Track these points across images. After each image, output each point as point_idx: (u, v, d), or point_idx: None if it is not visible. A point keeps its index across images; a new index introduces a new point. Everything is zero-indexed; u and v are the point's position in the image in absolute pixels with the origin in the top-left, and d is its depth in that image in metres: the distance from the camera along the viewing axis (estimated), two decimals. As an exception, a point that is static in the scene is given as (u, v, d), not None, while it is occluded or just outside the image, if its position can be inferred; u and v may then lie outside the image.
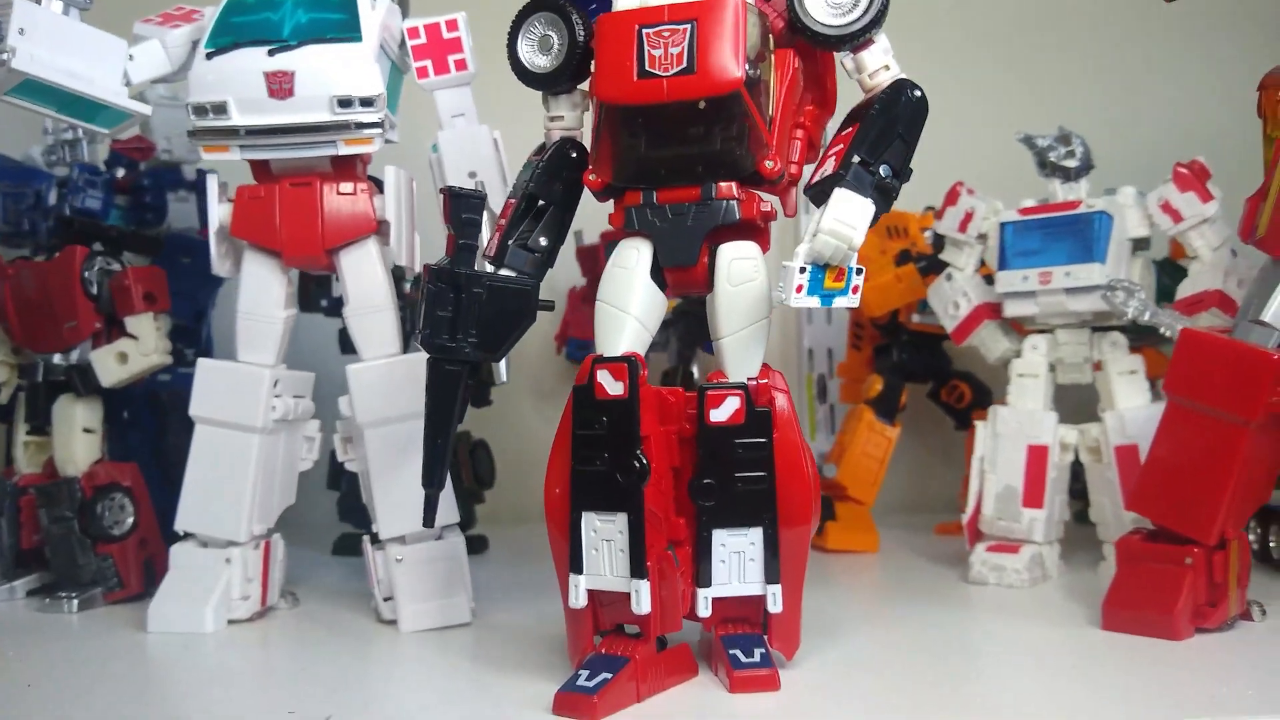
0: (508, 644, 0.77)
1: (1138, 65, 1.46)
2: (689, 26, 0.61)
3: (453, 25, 0.90)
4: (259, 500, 0.87)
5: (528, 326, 0.70)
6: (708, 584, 0.64)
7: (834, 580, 1.01)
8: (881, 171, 0.60)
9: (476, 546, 1.21)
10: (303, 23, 0.84)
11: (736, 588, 0.64)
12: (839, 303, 0.61)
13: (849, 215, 0.59)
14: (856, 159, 0.60)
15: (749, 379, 0.64)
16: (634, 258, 0.65)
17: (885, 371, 1.26)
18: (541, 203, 0.69)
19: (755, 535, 0.64)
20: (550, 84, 0.69)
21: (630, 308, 0.64)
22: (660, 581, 0.61)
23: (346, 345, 1.06)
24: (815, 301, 0.60)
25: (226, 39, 0.83)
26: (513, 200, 0.70)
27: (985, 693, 0.64)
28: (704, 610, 0.64)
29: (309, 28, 0.83)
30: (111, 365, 0.96)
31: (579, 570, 0.62)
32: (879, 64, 0.63)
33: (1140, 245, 0.97)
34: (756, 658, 0.64)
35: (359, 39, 0.84)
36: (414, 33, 0.89)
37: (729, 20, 0.61)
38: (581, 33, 0.67)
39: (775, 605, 0.64)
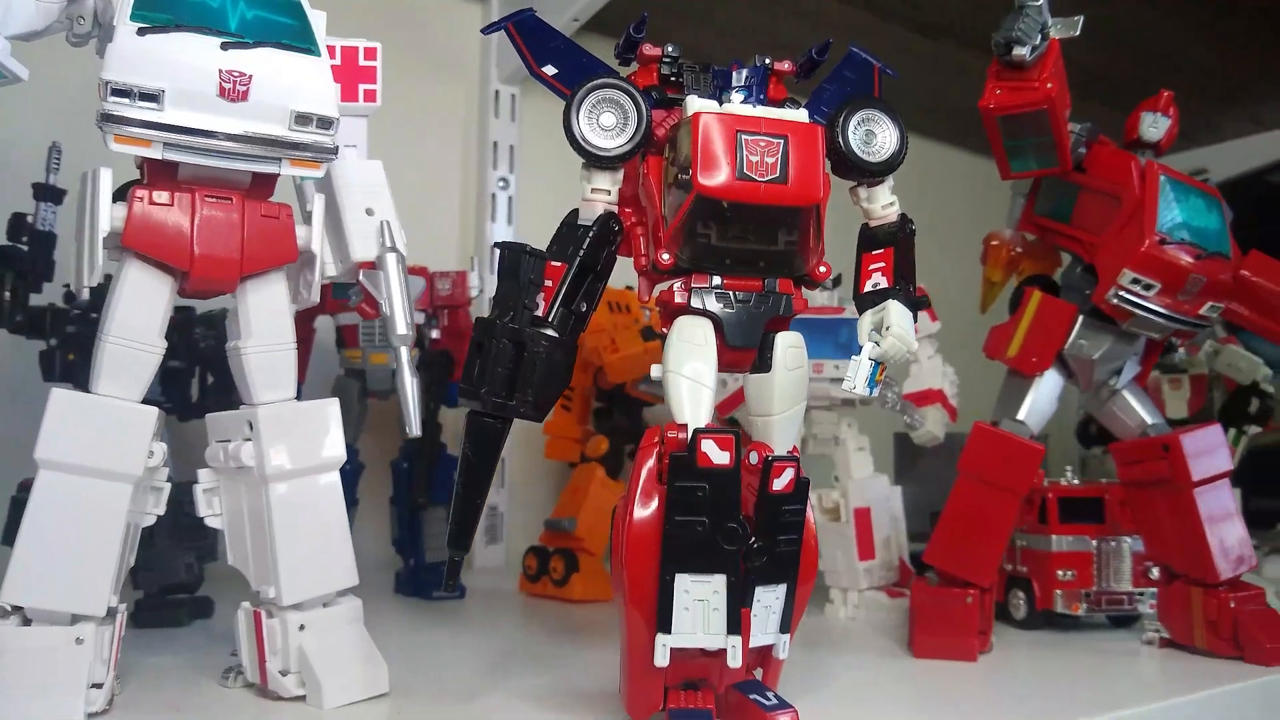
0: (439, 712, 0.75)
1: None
2: (782, 141, 0.69)
3: (371, 54, 0.86)
4: (119, 565, 0.73)
5: (565, 387, 0.71)
6: (736, 632, 0.70)
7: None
8: (910, 289, 0.74)
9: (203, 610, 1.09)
10: (250, 19, 0.74)
11: (761, 639, 0.72)
12: (873, 392, 0.73)
13: (908, 324, 0.71)
14: (902, 279, 0.73)
15: (788, 452, 0.72)
16: (701, 335, 0.70)
17: (608, 432, 1.37)
18: (586, 271, 0.71)
19: (780, 591, 0.72)
20: (613, 162, 0.72)
21: (707, 380, 0.70)
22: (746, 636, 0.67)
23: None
24: (866, 390, 0.72)
25: (163, 16, 0.70)
26: (560, 265, 0.71)
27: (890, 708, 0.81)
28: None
29: (260, 27, 0.74)
30: None
31: (667, 630, 0.65)
32: (889, 199, 0.77)
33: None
34: (774, 700, 0.72)
35: (317, 53, 0.76)
36: (329, 52, 0.82)
37: (815, 144, 0.70)
38: (648, 119, 0.71)
39: (784, 652, 0.73)
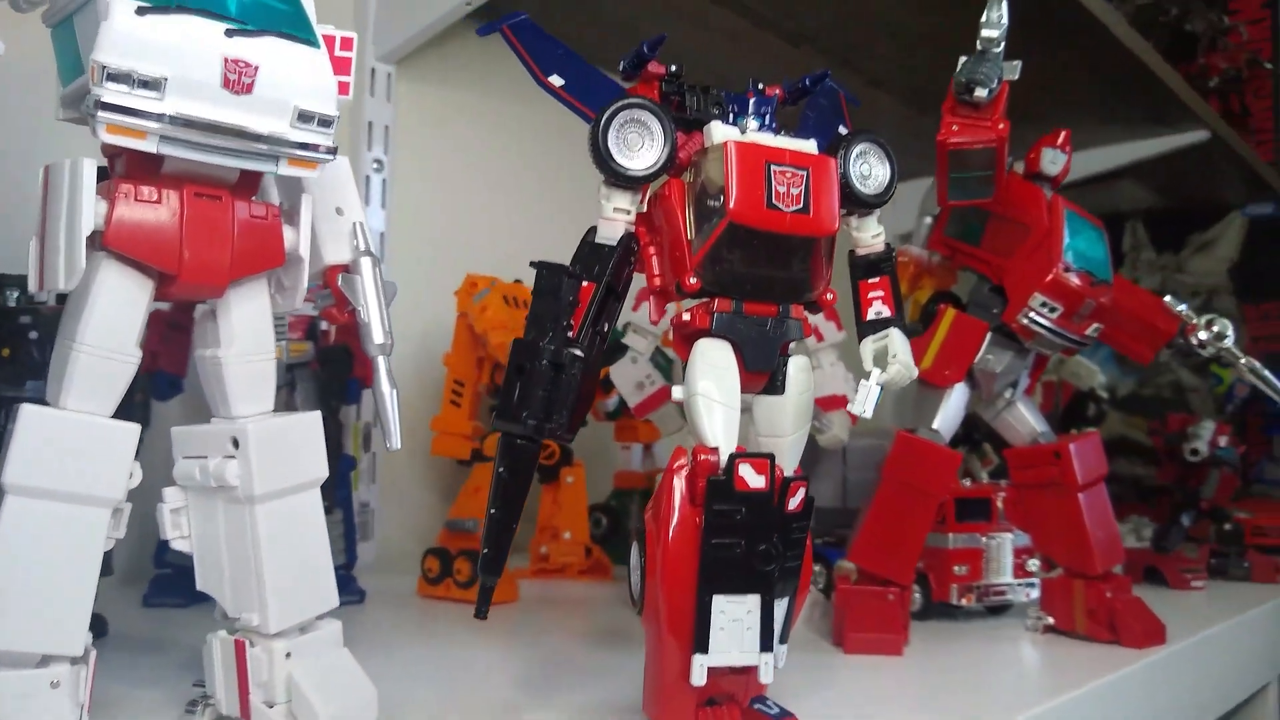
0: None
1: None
2: (805, 173, 0.72)
3: (348, 44, 0.81)
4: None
5: (590, 406, 0.71)
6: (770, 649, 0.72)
7: (550, 635, 1.10)
8: (905, 317, 0.79)
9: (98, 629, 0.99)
10: (249, 3, 0.68)
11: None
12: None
13: (909, 351, 0.76)
14: (899, 307, 0.77)
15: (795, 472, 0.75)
16: (726, 358, 0.72)
17: (507, 430, 1.36)
18: (609, 291, 0.71)
19: (783, 605, 0.75)
20: (638, 182, 0.72)
21: (731, 401, 0.71)
22: (770, 653, 0.69)
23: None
24: (869, 415, 0.75)
25: (162, -5, 0.64)
26: (588, 284, 0.70)
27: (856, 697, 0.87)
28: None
29: (259, 12, 0.68)
30: None
31: (704, 650, 0.67)
32: (877, 229, 0.81)
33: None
34: (777, 709, 0.75)
35: (316, 44, 0.72)
36: (306, 39, 0.77)
37: (831, 176, 0.73)
38: (674, 141, 0.72)
39: (781, 662, 0.76)
